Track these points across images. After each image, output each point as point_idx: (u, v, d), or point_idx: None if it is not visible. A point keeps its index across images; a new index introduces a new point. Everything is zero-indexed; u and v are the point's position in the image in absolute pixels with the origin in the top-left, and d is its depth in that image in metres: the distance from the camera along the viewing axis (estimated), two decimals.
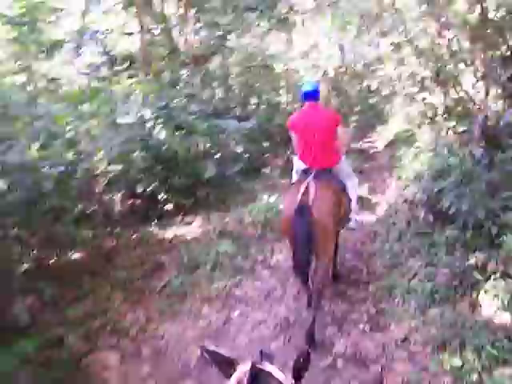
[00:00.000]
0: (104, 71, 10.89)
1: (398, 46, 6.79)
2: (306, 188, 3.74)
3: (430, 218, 5.22)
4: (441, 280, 4.45)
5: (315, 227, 3.54)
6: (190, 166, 7.41)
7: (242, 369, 1.34)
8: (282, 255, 6.19)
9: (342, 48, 12.14)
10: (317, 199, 3.63)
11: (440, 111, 6.62)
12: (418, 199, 6.28)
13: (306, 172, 4.08)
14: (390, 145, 12.70)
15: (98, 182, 6.66)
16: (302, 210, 3.57)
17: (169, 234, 6.87)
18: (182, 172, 7.32)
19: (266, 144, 11.25)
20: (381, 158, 11.39)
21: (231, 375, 1.35)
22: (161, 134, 6.59)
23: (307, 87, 4.28)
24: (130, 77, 9.59)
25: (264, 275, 5.59)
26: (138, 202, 7.47)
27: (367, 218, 6.97)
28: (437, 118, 6.95)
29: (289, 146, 11.91)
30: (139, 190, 7.24)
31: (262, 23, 11.83)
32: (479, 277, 4.17)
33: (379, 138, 13.49)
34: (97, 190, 6.79)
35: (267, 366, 1.36)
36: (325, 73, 12.14)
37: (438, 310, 4.17)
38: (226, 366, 1.41)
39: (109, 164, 6.29)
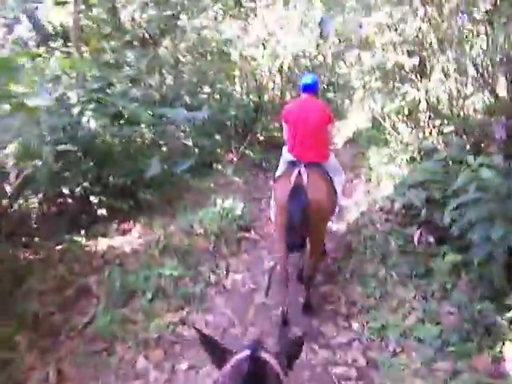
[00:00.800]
0: (35, 47, 9.14)
1: (380, 29, 5.67)
2: (299, 174, 3.57)
3: (430, 237, 4.13)
4: (448, 322, 3.35)
5: (311, 206, 3.38)
6: (129, 162, 5.94)
7: (240, 356, 1.26)
8: (240, 274, 4.94)
9: (324, 23, 10.86)
10: (310, 181, 3.50)
11: (422, 107, 5.62)
12: (397, 209, 5.21)
13: (294, 164, 3.82)
14: (350, 142, 11.76)
15: (10, 179, 5.10)
16: (297, 190, 3.41)
17: (101, 245, 5.41)
18: (119, 169, 5.85)
19: (218, 137, 9.91)
20: (341, 156, 10.34)
21: (223, 365, 1.28)
22: (90, 122, 5.08)
23: (307, 79, 4.13)
24: (65, 56, 7.96)
25: (218, 304, 4.29)
26: (65, 205, 5.94)
27: (336, 224, 5.85)
28: (419, 115, 5.95)
29: (243, 140, 10.82)
30: (65, 190, 5.73)
31: (216, 6, 10.37)
32: (503, 321, 3.11)
33: (337, 135, 12.52)
34: (9, 190, 5.22)
35: (264, 355, 1.26)
36: (282, 62, 10.88)
37: (448, 364, 3.07)
38: (220, 354, 1.33)
39: (21, 159, 4.74)
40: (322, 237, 4.01)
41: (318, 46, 13.01)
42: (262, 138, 11.34)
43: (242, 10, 12.13)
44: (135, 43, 10.75)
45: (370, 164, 7.18)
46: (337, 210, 4.14)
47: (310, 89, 4.07)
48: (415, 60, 5.27)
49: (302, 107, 3.96)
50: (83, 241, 5.37)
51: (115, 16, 9.87)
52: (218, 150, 9.66)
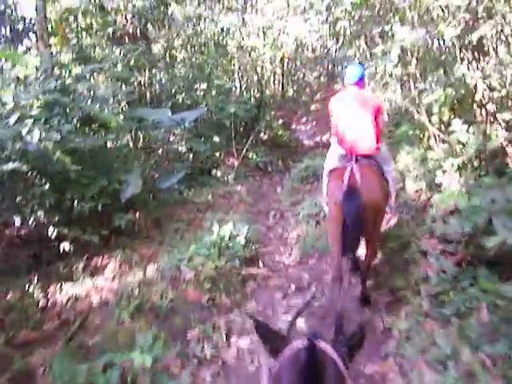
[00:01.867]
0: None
1: None
2: (351, 172, 3.22)
3: None
4: None
5: (367, 209, 3.06)
6: (100, 181, 4.38)
7: (297, 345, 1.14)
8: (246, 338, 3.38)
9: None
10: (364, 181, 3.16)
11: (480, 96, 4.04)
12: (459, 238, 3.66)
13: (345, 158, 3.49)
14: None
15: None
16: (352, 193, 3.08)
17: (62, 294, 3.90)
18: (85, 191, 4.29)
19: (217, 139, 8.33)
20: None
21: (277, 352, 1.16)
22: (34, 134, 3.50)
23: (352, 70, 3.72)
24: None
25: None
26: (18, 238, 4.41)
27: None
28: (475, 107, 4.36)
29: (245, 141, 9.24)
30: (17, 221, 4.19)
31: None
32: None
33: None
34: None
35: (322, 344, 1.14)
36: (284, 52, 9.25)
37: None
38: (275, 341, 1.22)
39: None
40: (379, 235, 3.75)
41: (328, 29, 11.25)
42: (265, 138, 9.76)
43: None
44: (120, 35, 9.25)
45: (400, 170, 5.60)
46: (392, 201, 3.79)
47: (356, 79, 3.68)
48: (476, 34, 3.67)
49: (351, 99, 3.61)
50: (35, 290, 3.85)
51: (100, 7, 8.29)
52: (217, 154, 8.08)
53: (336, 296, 3.32)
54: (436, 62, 5.02)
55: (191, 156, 7.20)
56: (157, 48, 9.31)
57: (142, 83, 8.32)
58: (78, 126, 4.31)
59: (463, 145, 4.39)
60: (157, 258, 4.57)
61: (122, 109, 4.81)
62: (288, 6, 13.06)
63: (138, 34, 9.45)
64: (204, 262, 3.88)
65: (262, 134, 9.65)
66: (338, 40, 12.81)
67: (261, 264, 4.76)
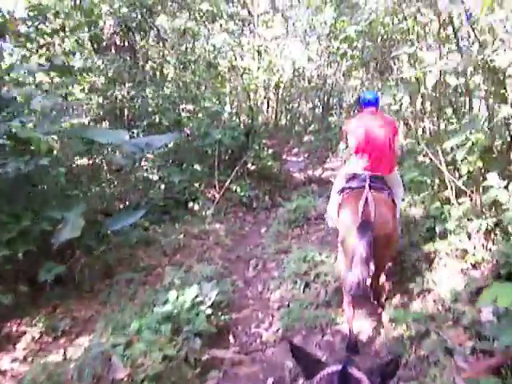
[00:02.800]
0: None
1: None
2: (366, 201, 3.20)
3: None
4: None
5: (379, 241, 3.08)
6: (20, 220, 3.18)
7: (331, 370, 1.16)
8: None
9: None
10: (378, 214, 3.15)
11: None
12: None
13: (357, 177, 3.53)
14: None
15: None
16: (365, 226, 3.07)
17: None
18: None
19: (198, 167, 7.19)
20: None
21: (313, 376, 1.17)
22: None
23: (368, 95, 3.78)
24: None
25: None
26: None
27: None
28: None
29: (230, 171, 8.07)
30: None
31: (204, 4, 7.73)
32: None
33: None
34: None
35: (355, 371, 1.15)
36: (281, 77, 8.26)
37: None
38: (312, 365, 1.23)
39: None
40: (388, 261, 3.75)
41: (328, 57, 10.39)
42: (253, 168, 8.65)
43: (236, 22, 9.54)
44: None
45: (405, 221, 4.51)
46: (398, 228, 3.81)
47: (373, 104, 3.72)
48: None
49: (367, 121, 3.63)
50: None
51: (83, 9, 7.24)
52: (197, 185, 6.92)
53: (350, 318, 3.27)
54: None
55: (163, 186, 6.03)
56: (142, 61, 8.29)
57: (121, 98, 7.23)
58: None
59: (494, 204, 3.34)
60: (94, 326, 3.36)
61: (66, 127, 3.70)
62: (287, 31, 12.25)
63: (125, 45, 8.45)
64: (148, 348, 2.66)
65: (250, 165, 8.54)
66: (336, 70, 12.05)
67: (231, 339, 3.56)
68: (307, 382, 1.18)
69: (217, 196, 6.97)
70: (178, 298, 3.29)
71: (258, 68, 7.65)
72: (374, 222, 3.07)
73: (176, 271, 3.98)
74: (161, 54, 8.39)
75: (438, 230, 3.92)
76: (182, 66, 8.15)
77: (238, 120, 7.83)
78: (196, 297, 3.42)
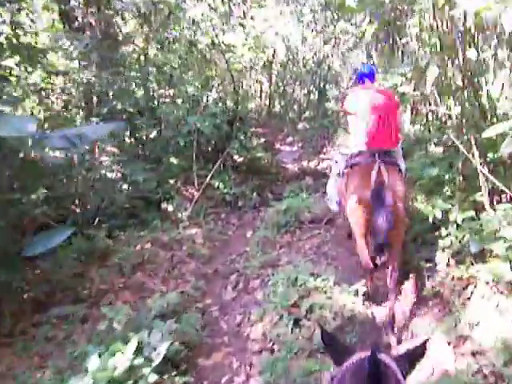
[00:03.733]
0: None
1: None
2: (378, 170, 2.99)
3: None
4: None
5: (395, 212, 2.85)
6: None
7: (361, 356, 1.11)
8: None
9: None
10: (392, 183, 2.96)
11: None
12: None
13: (363, 153, 3.25)
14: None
15: None
16: (380, 194, 2.86)
17: None
18: None
19: (174, 161, 6.06)
20: None
21: (342, 362, 1.14)
22: None
23: (365, 69, 3.62)
24: None
25: None
26: None
27: None
28: None
29: (211, 165, 6.97)
30: None
31: None
32: None
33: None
34: None
35: (384, 356, 1.11)
36: (274, 54, 7.09)
37: None
38: (341, 352, 1.19)
39: None
40: (403, 240, 3.21)
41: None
42: (240, 161, 7.52)
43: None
44: None
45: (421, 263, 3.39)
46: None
47: (369, 77, 3.57)
48: None
49: (369, 94, 3.40)
50: None
51: None
52: (172, 182, 5.80)
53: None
54: None
55: (126, 186, 4.91)
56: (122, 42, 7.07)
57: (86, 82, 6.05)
58: None
59: None
60: None
61: None
62: (281, 13, 10.98)
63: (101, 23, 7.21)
64: None
65: (236, 157, 7.41)
66: (333, 48, 10.81)
67: None
68: (337, 369, 1.12)
69: (196, 194, 5.86)
70: (106, 358, 2.21)
71: (244, 45, 6.45)
72: (388, 190, 2.88)
73: (117, 311, 2.86)
74: (140, 31, 7.18)
75: (473, 248, 2.82)
76: (159, 46, 6.96)
77: (222, 106, 6.64)
78: (138, 353, 2.35)
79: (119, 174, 4.91)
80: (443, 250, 3.28)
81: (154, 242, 4.64)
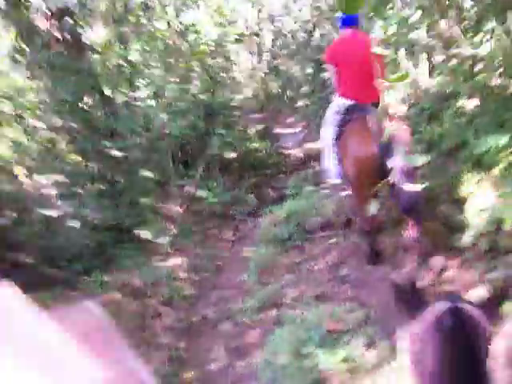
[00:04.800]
0: None
1: None
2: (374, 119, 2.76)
3: None
4: None
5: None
6: None
7: (439, 307, 0.96)
8: None
9: None
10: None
11: None
12: None
13: (353, 108, 2.97)
14: None
15: None
16: (388, 147, 2.60)
17: None
18: None
19: (149, 174, 4.83)
20: None
21: (416, 317, 0.99)
22: None
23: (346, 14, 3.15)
24: None
25: None
26: None
27: None
28: None
29: (193, 171, 5.50)
30: None
31: None
32: None
33: None
34: None
35: (466, 307, 0.95)
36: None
37: None
38: (414, 304, 1.04)
39: None
40: None
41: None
42: (231, 157, 6.21)
43: None
44: None
45: None
46: None
47: (352, 22, 3.10)
48: None
49: (350, 44, 3.07)
50: None
51: None
52: (146, 201, 4.57)
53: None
54: None
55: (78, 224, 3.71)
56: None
57: None
58: None
59: None
60: None
61: None
62: None
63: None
64: None
65: (230, 154, 6.12)
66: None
67: None
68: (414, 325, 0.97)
69: (179, 210, 4.63)
70: None
71: (209, 22, 5.11)
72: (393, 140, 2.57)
73: None
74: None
75: None
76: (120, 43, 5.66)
77: (196, 99, 5.31)
78: None
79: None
80: None
81: (122, 288, 3.46)
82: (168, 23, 4.97)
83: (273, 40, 11.41)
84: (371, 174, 2.65)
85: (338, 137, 3.02)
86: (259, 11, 6.20)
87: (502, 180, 2.47)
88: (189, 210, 4.69)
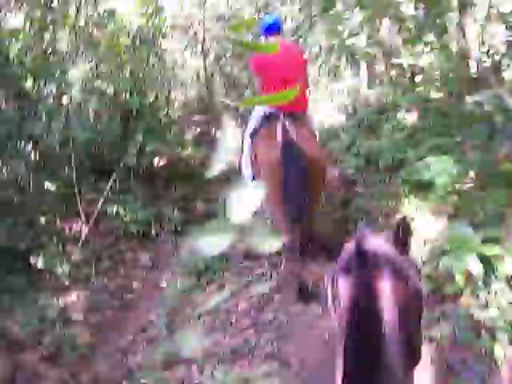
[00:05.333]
0: None
1: None
2: (284, 128, 2.76)
3: None
4: None
5: (310, 165, 2.63)
6: None
7: (348, 248, 0.96)
8: None
9: None
10: (301, 136, 2.73)
11: None
12: None
13: (272, 116, 2.90)
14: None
15: None
16: (290, 148, 2.64)
17: None
18: None
19: (52, 187, 4.01)
20: None
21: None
22: None
23: (268, 19, 3.21)
24: None
25: None
26: None
27: None
28: None
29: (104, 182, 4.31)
30: None
31: None
32: None
33: None
34: None
35: (371, 242, 0.94)
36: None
37: None
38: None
39: None
40: (320, 196, 3.06)
41: None
42: (161, 165, 5.51)
43: None
44: None
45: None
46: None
47: (275, 29, 3.08)
48: None
49: (278, 51, 2.75)
50: None
51: None
52: (43, 220, 3.76)
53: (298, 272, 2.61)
54: None
55: None
56: None
57: None
58: None
59: None
60: None
61: None
62: None
63: None
64: None
65: (159, 161, 5.42)
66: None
67: None
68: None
69: (84, 231, 3.86)
70: None
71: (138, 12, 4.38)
72: (299, 143, 2.66)
73: None
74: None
75: None
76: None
77: (111, 99, 4.54)
78: None
79: None
80: None
81: None
82: (77, 10, 4.18)
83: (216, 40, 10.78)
84: (275, 177, 2.62)
85: (252, 141, 3.00)
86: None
87: (449, 217, 2.04)
88: (97, 230, 3.93)
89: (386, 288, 0.86)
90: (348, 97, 5.51)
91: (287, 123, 2.79)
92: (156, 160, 5.50)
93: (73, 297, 3.20)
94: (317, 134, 3.30)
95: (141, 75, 4.85)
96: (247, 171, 3.20)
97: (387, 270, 0.87)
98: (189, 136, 7.99)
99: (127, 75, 4.51)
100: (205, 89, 11.30)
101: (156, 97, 5.55)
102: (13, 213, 3.63)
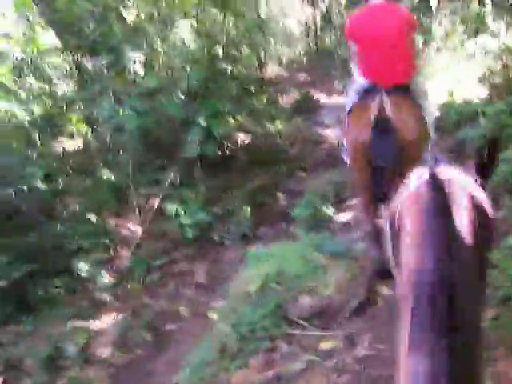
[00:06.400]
0: None
1: None
2: (380, 104, 2.33)
3: None
4: None
5: (405, 146, 2.23)
6: None
7: (420, 177, 0.89)
8: None
9: None
10: (397, 111, 2.30)
11: None
12: None
13: (372, 90, 2.45)
14: None
15: None
16: (382, 124, 2.26)
17: None
18: None
19: (109, 174, 3.46)
20: None
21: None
22: None
23: None
24: None
25: None
26: None
27: None
28: None
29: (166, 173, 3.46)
30: None
31: None
32: None
33: None
34: None
35: (446, 172, 0.88)
36: None
37: None
38: None
39: None
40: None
41: None
42: (247, 143, 4.61)
43: None
44: None
45: None
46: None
47: None
48: None
49: (372, 16, 2.53)
50: None
51: None
52: (94, 218, 3.24)
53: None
54: None
55: None
56: None
57: None
58: None
59: None
60: None
61: None
62: None
63: None
64: None
65: (242, 139, 4.58)
66: None
67: None
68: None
69: (138, 232, 3.24)
70: None
71: None
72: (393, 119, 2.25)
73: None
74: None
75: None
76: None
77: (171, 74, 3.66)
78: None
79: None
80: None
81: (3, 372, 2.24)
82: None
83: None
84: (363, 159, 2.34)
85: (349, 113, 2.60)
86: None
87: None
88: (153, 232, 3.28)
89: (462, 214, 0.79)
90: (494, 61, 3.80)
91: (385, 98, 2.36)
92: (238, 138, 4.62)
93: (104, 320, 2.63)
94: (429, 113, 2.65)
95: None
96: (344, 153, 2.81)
97: (463, 197, 0.82)
98: (286, 103, 6.86)
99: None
100: (313, 44, 9.87)
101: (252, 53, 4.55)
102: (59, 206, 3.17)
